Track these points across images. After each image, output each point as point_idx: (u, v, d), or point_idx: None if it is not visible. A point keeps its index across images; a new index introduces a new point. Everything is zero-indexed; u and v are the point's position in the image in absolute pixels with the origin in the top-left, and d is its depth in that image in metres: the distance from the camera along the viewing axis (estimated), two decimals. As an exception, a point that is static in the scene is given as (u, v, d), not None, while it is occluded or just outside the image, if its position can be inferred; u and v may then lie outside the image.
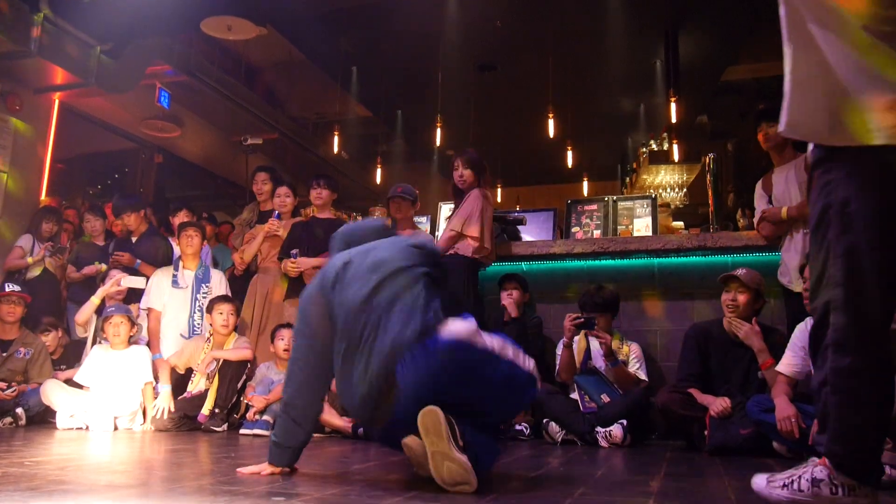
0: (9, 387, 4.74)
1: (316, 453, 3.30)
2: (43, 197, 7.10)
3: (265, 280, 5.45)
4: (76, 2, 6.31)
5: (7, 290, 5.08)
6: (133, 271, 5.57)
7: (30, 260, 5.96)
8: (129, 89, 7.34)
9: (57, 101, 7.34)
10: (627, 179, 10.55)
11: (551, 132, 8.29)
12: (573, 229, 5.62)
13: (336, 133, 9.47)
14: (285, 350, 4.68)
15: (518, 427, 4.41)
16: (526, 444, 4.13)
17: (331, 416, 4.36)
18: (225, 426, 4.62)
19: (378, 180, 10.31)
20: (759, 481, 1.89)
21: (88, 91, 7.10)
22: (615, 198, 5.75)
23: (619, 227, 5.55)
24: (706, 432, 3.73)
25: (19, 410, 4.68)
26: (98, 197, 9.50)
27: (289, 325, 4.83)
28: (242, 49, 8.70)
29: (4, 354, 4.96)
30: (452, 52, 7.96)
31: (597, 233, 5.54)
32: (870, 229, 1.75)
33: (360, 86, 9.04)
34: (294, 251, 5.10)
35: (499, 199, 10.83)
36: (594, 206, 5.72)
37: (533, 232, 5.81)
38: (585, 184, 11.11)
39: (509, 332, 4.65)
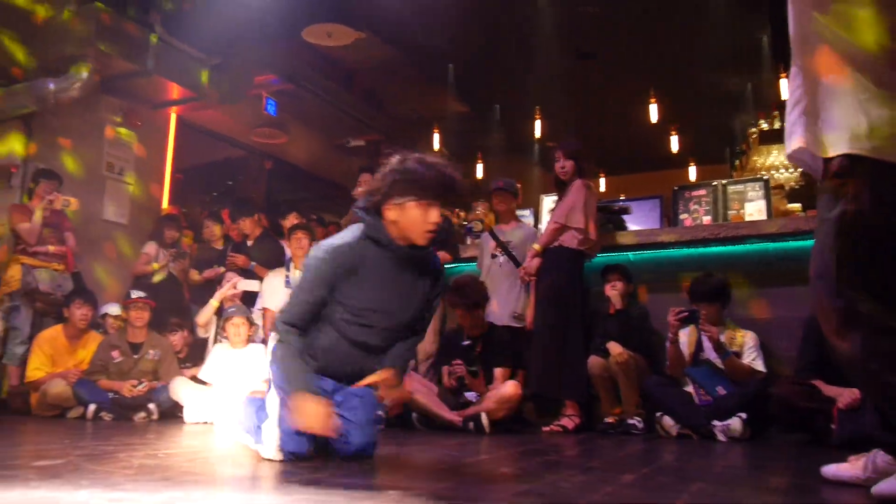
0: (140, 384, 5.05)
1: (426, 447, 3.36)
2: (165, 206, 7.52)
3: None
4: (186, 20, 6.63)
5: (134, 297, 5.41)
6: (248, 273, 5.82)
7: (155, 265, 6.32)
8: (238, 100, 7.65)
9: (174, 115, 7.76)
10: (737, 162, 10.13)
11: (654, 117, 8.08)
12: (681, 216, 5.46)
13: (435, 130, 9.55)
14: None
15: (630, 421, 4.33)
16: (639, 439, 4.05)
17: (441, 410, 4.42)
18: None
19: (479, 175, 10.33)
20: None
21: (201, 104, 7.47)
22: (724, 182, 5.54)
23: (729, 212, 5.34)
24: (833, 425, 3.54)
25: (151, 406, 4.99)
26: (214, 204, 9.94)
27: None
28: (342, 53, 8.90)
29: (136, 356, 5.29)
30: (550, 42, 7.88)
31: (706, 219, 5.36)
32: None
33: (457, 82, 9.08)
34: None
35: (602, 189, 10.62)
36: (702, 192, 5.53)
37: (639, 221, 5.68)
38: (693, 169, 10.76)
39: (613, 324, 4.59)
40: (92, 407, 4.90)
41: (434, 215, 2.51)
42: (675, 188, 5.64)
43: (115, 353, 5.25)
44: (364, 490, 1.91)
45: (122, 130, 7.08)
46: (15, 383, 5.45)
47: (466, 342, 4.63)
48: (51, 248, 5.68)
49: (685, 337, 4.26)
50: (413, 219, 2.49)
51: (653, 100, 8.04)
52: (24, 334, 5.54)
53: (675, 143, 9.25)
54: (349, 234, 2.59)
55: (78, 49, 6.07)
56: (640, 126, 8.81)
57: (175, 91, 7.21)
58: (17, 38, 6.27)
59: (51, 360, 5.28)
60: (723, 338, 4.10)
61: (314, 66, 8.59)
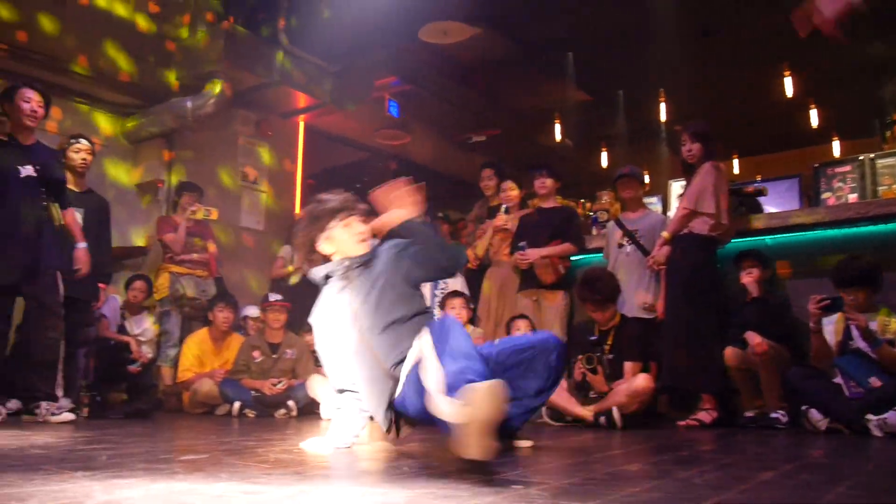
0: (279, 382, 5.30)
1: (556, 442, 3.32)
2: (297, 210, 7.85)
3: (498, 273, 5.58)
4: (309, 31, 6.87)
5: (271, 300, 5.68)
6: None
7: (290, 268, 6.61)
8: (361, 104, 7.86)
9: (301, 123, 8.08)
10: (888, 133, 9.39)
11: (789, 91, 7.62)
12: (823, 195, 5.12)
13: (557, 121, 9.43)
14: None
15: (774, 415, 4.11)
16: (783, 433, 3.84)
17: (570, 405, 4.36)
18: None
19: (604, 164, 10.13)
20: None
21: (326, 110, 7.74)
22: (873, 156, 5.12)
23: (879, 189, 4.95)
24: None
25: (291, 403, 5.23)
26: (344, 206, 10.26)
27: (523, 317, 4.91)
28: (459, 51, 8.96)
29: (275, 356, 5.55)
30: (671, 21, 7.59)
31: (852, 197, 5.00)
32: None
33: (577, 70, 8.92)
34: (522, 243, 5.17)
35: (736, 171, 10.14)
36: (847, 168, 5.16)
37: (776, 202, 5.39)
38: (836, 144, 10.06)
39: (750, 313, 4.37)
40: (237, 404, 5.20)
41: (358, 226, 2.79)
42: (816, 165, 5.30)
43: (255, 354, 5.54)
44: (489, 485, 1.91)
45: (255, 141, 7.45)
46: (168, 383, 5.86)
47: (593, 338, 4.53)
48: (195, 256, 6.06)
49: (831, 325, 3.98)
50: (344, 239, 2.78)
51: (787, 73, 7.58)
52: (174, 337, 5.95)
53: (814, 118, 8.68)
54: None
55: (211, 67, 6.44)
56: (774, 102, 8.33)
57: (302, 100, 7.51)
58: (162, 62, 6.74)
59: (199, 361, 5.64)
60: (874, 325, 3.79)
61: (433, 65, 8.70)
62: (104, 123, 6.55)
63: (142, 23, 6.63)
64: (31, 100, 4.14)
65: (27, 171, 4.09)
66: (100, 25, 6.31)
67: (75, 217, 4.47)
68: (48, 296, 4.08)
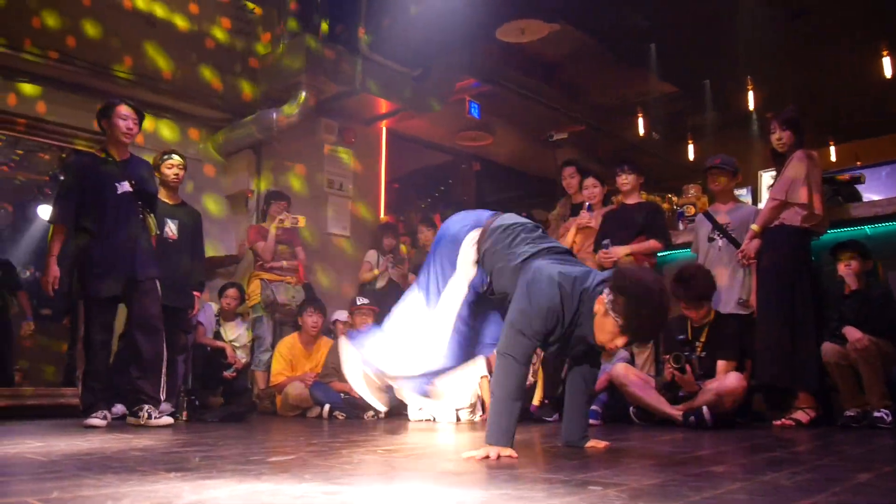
0: (367, 385, 5.40)
1: (643, 442, 3.26)
2: (382, 215, 7.98)
3: (582, 271, 5.51)
4: (387, 37, 6.98)
5: (359, 303, 5.79)
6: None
7: (375, 272, 6.73)
8: (442, 106, 7.92)
9: (384, 129, 8.22)
10: None
11: (888, 72, 7.23)
12: (927, 180, 4.85)
13: (640, 114, 9.25)
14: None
15: (877, 414, 3.91)
16: (887, 433, 3.66)
17: (660, 404, 4.28)
18: (556, 415, 4.77)
19: (690, 156, 9.87)
20: None
21: (407, 114, 7.84)
22: None
23: None
24: None
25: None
26: (428, 210, 10.38)
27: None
28: (539, 48, 8.90)
29: (363, 358, 5.65)
30: (758, 4, 7.33)
31: (959, 181, 4.72)
32: None
33: (660, 62, 8.72)
34: (606, 241, 5.09)
35: (832, 159, 9.68)
36: (953, 151, 4.87)
37: (876, 189, 5.13)
38: (945, 125, 9.48)
39: (849, 307, 4.17)
40: (327, 407, 5.33)
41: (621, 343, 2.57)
42: (919, 148, 5.01)
43: (344, 357, 5.65)
44: (565, 486, 1.90)
45: (339, 148, 7.62)
46: (262, 387, 6.06)
47: (681, 337, 4.41)
48: (284, 263, 6.25)
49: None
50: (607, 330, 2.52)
51: (885, 52, 7.19)
52: (266, 342, 6.15)
53: (915, 98, 8.22)
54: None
55: (294, 78, 6.63)
56: (871, 84, 7.92)
57: (383, 105, 7.64)
58: (244, 76, 6.99)
59: (290, 364, 5.81)
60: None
61: (512, 64, 8.68)
62: (193, 137, 6.85)
63: (224, 38, 6.90)
64: (127, 117, 4.35)
65: (124, 187, 4.31)
66: (188, 44, 6.61)
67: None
68: (149, 304, 4.29)
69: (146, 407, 4.14)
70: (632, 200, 5.32)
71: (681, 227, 5.79)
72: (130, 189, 4.32)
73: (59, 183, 4.44)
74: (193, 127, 6.86)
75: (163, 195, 4.88)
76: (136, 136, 4.47)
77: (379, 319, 5.81)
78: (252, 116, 6.69)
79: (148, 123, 5.59)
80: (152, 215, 4.48)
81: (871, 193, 5.05)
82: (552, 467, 2.33)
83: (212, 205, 6.81)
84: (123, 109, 4.35)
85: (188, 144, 6.70)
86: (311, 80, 6.61)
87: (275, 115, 6.55)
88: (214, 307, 6.04)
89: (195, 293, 5.10)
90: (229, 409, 5.06)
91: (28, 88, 5.80)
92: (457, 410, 5.00)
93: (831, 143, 9.89)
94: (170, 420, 4.19)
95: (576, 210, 5.83)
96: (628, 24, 8.03)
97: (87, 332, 4.23)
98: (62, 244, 4.24)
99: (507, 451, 2.52)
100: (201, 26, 6.76)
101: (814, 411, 4.19)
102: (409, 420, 5.02)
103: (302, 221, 6.33)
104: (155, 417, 4.11)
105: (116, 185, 4.29)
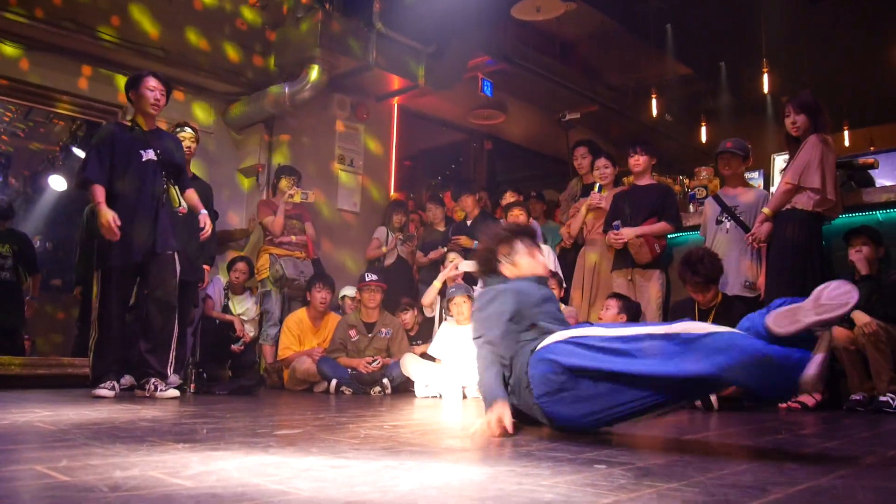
0: (374, 360, 5.43)
1: (647, 424, 3.27)
2: (392, 192, 7.97)
3: (592, 252, 5.51)
4: (402, 13, 6.94)
5: (367, 280, 5.80)
6: (472, 253, 6.00)
7: (384, 249, 6.73)
8: (455, 85, 7.88)
9: (396, 105, 8.18)
10: None
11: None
12: (942, 167, 4.80)
13: (654, 96, 9.18)
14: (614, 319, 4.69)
15: (883, 398, 3.91)
16: (893, 418, 3.65)
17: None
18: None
19: (703, 139, 9.80)
20: None
21: (421, 92, 7.81)
22: None
23: None
24: None
25: (385, 381, 5.36)
26: (438, 188, 10.37)
27: (616, 295, 4.84)
28: (555, 27, 8.83)
29: (370, 335, 5.68)
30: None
31: (974, 168, 4.67)
32: None
33: (676, 43, 8.64)
34: (616, 222, 5.07)
35: (846, 144, 9.60)
36: (969, 137, 4.82)
37: (889, 175, 5.09)
38: (962, 111, 9.37)
39: (860, 291, 4.14)
40: (334, 382, 5.36)
41: (537, 256, 2.95)
42: (934, 134, 4.96)
43: (352, 332, 5.69)
44: (571, 464, 1.91)
45: (351, 124, 7.60)
46: (270, 361, 6.09)
47: (685, 320, 4.39)
48: (293, 238, 6.25)
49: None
50: (525, 264, 2.91)
51: (903, 36, 7.10)
52: (274, 317, 6.17)
53: (932, 85, 8.11)
54: None
55: (307, 53, 6.60)
56: (887, 69, 7.82)
57: (396, 82, 7.60)
58: (257, 50, 6.96)
59: (298, 339, 5.84)
60: None
61: (527, 42, 8.62)
62: (206, 110, 6.84)
63: (237, 10, 6.87)
64: (154, 88, 4.35)
65: (149, 154, 4.31)
66: (200, 16, 6.58)
67: (195, 193, 4.65)
68: (168, 279, 4.31)
69: (152, 380, 4.16)
70: (643, 182, 5.29)
71: (691, 209, 5.76)
72: (155, 158, 4.31)
73: (88, 148, 4.42)
74: (205, 100, 6.85)
75: None
76: (163, 107, 4.46)
77: (386, 296, 5.85)
78: (265, 90, 6.67)
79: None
80: (176, 188, 4.46)
81: (884, 179, 5.01)
82: (558, 446, 2.33)
83: (223, 178, 6.81)
84: (151, 81, 4.35)
85: (200, 118, 6.69)
86: (324, 55, 6.58)
87: (287, 89, 6.53)
88: (223, 281, 6.06)
89: (205, 266, 5.12)
90: (237, 383, 5.09)
91: (10, 49, 5.75)
92: (463, 388, 5.01)
93: (846, 127, 9.80)
94: (176, 393, 4.21)
95: (587, 191, 5.80)
96: (645, 4, 7.95)
97: (102, 303, 4.19)
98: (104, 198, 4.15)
99: (499, 406, 2.56)
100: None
101: (820, 395, 4.18)
102: (415, 397, 5.05)
103: (312, 197, 6.34)
104: (161, 390, 4.13)
105: (141, 152, 4.28)
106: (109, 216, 4.03)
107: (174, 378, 4.53)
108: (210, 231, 4.64)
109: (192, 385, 4.90)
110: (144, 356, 4.21)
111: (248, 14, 6.94)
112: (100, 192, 4.13)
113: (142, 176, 4.26)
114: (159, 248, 4.25)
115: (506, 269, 2.92)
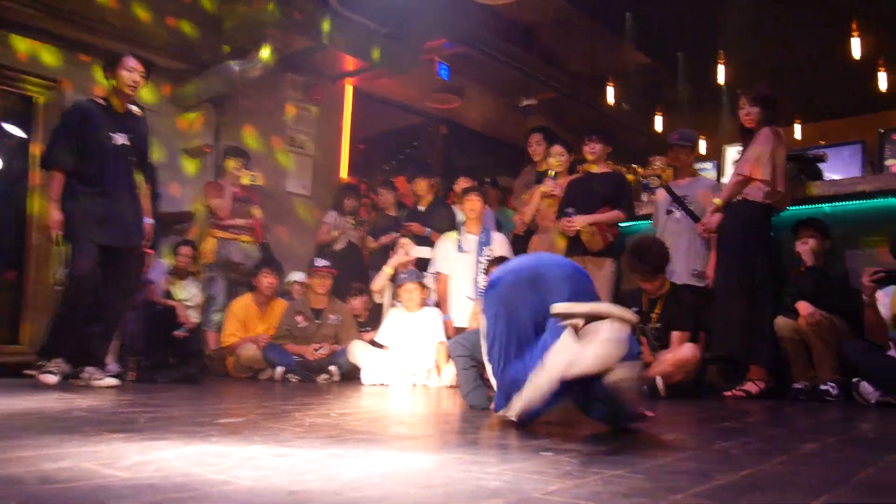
0: (321, 347, 5.41)
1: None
2: (344, 176, 7.91)
3: (544, 239, 5.55)
4: (359, -10, 6.85)
5: (317, 265, 5.76)
6: (424, 239, 6.01)
7: (335, 233, 6.68)
8: (412, 67, 7.83)
9: (350, 87, 8.11)
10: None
11: (857, 53, 7.32)
12: (887, 162, 4.94)
13: (611, 84, 9.27)
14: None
15: (824, 387, 4.03)
16: (834, 406, 3.78)
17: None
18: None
19: (660, 128, 9.93)
20: None
21: (376, 74, 7.74)
22: (942, 121, 4.94)
23: (947, 157, 4.78)
24: None
25: (333, 368, 5.34)
26: (392, 172, 10.32)
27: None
28: (514, 11, 8.81)
29: (318, 321, 5.65)
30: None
31: (918, 164, 4.82)
32: None
33: (636, 32, 8.70)
34: (570, 210, 5.12)
35: (797, 137, 9.83)
36: (915, 134, 4.97)
37: (837, 169, 5.21)
38: (908, 109, 9.64)
39: (804, 282, 4.27)
40: (280, 369, 5.33)
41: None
42: (881, 131, 5.11)
43: (299, 319, 5.65)
44: (519, 452, 1.93)
45: (304, 105, 7.51)
46: (213, 348, 6.01)
47: (635, 309, 4.47)
48: (240, 222, 6.17)
49: (888, 298, 3.87)
50: None
51: (855, 33, 7.27)
52: (219, 303, 6.09)
53: (883, 82, 8.32)
54: None
55: (259, 31, 6.48)
56: (840, 64, 8.01)
57: (350, 63, 7.53)
58: (208, 26, 6.81)
59: (243, 325, 5.78)
60: (932, 298, 3.69)
61: (485, 26, 8.59)
62: (151, 88, 6.67)
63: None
64: (133, 69, 4.27)
65: (121, 138, 4.23)
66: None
67: (148, 193, 4.57)
68: (137, 267, 4.25)
69: (88, 368, 4.08)
70: (598, 170, 5.34)
71: (644, 198, 5.84)
72: (128, 143, 4.25)
73: (56, 126, 4.31)
74: (151, 77, 6.66)
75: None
76: (140, 88, 4.40)
77: (336, 282, 5.82)
78: (214, 69, 6.54)
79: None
80: (141, 173, 4.39)
81: (832, 173, 5.14)
82: (506, 434, 2.35)
83: (167, 159, 6.65)
84: (131, 61, 4.27)
85: (144, 95, 6.53)
86: (276, 33, 6.46)
87: (238, 68, 6.41)
88: (166, 265, 5.95)
89: (147, 250, 5.01)
90: (179, 371, 5.01)
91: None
92: (412, 375, 5.02)
93: (798, 121, 10.02)
94: (114, 381, 4.13)
95: (541, 178, 5.83)
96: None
97: (74, 277, 4.09)
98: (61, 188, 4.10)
99: None
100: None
101: (764, 383, 4.30)
102: (363, 384, 5.04)
103: (260, 179, 6.26)
104: (97, 379, 4.04)
105: (112, 135, 4.21)
106: (55, 222, 4.02)
107: (113, 366, 4.43)
108: (150, 243, 4.59)
109: (132, 373, 4.81)
110: (89, 343, 4.14)
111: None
112: (57, 184, 4.09)
113: (113, 160, 4.20)
114: (135, 239, 4.21)
115: None
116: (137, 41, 6.22)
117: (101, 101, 4.32)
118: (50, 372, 3.98)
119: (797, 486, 1.55)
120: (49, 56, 5.94)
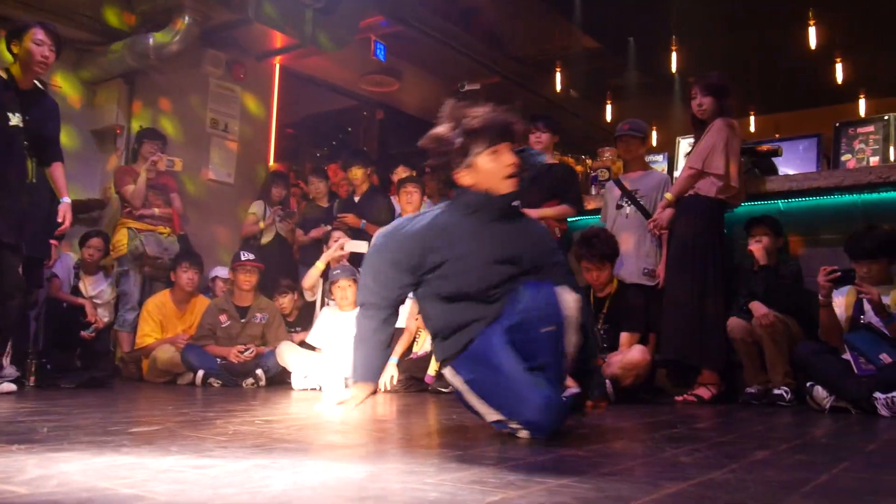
0: (247, 349, 5.34)
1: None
2: (271, 162, 7.82)
3: (488, 235, 5.57)
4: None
5: (243, 259, 5.69)
6: (359, 232, 5.98)
7: (261, 225, 6.60)
8: (345, 45, 7.78)
9: (278, 66, 8.01)
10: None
11: (813, 43, 7.57)
12: (843, 157, 5.12)
13: (558, 69, 9.37)
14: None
15: (776, 391, 4.17)
16: (786, 411, 3.90)
17: (561, 378, 4.40)
18: (451, 387, 4.84)
19: (609, 117, 10.10)
20: None
21: (306, 52, 7.67)
22: (899, 115, 5.13)
23: (904, 152, 4.97)
24: None
25: (259, 372, 5.29)
26: (324, 159, 10.24)
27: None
28: (458, -10, 8.85)
29: (244, 320, 5.58)
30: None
31: (874, 160, 5.00)
32: None
33: (584, 14, 8.81)
34: (515, 203, 5.14)
35: (752, 129, 10.13)
36: (870, 128, 5.15)
37: (792, 164, 5.39)
38: (862, 102, 10.01)
39: (757, 282, 4.40)
40: (200, 373, 5.25)
41: (508, 157, 2.57)
42: (837, 125, 5.28)
43: (222, 318, 5.57)
44: (458, 461, 1.94)
45: (226, 84, 7.39)
46: (126, 350, 5.88)
47: None
48: (156, 211, 6.05)
49: (842, 298, 4.01)
50: (489, 171, 2.56)
51: (812, 22, 7.52)
52: (133, 300, 5.97)
53: (839, 73, 8.63)
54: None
55: (177, 0, 6.35)
56: (797, 55, 8.28)
57: (279, 39, 7.44)
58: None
59: (160, 325, 5.67)
60: (887, 299, 3.83)
61: (426, 4, 8.59)
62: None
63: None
64: (42, 43, 4.05)
65: (14, 119, 4.00)
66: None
67: (62, 171, 4.37)
68: (33, 268, 4.11)
69: None
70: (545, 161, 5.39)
71: (593, 191, 5.93)
72: (21, 125, 4.01)
73: None
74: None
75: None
76: (51, 65, 4.19)
77: (263, 278, 5.75)
78: (125, 41, 6.39)
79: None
80: (33, 160, 4.13)
81: (787, 168, 5.30)
82: (445, 441, 2.37)
83: (73, 141, 6.47)
84: (40, 33, 4.06)
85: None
86: (196, 2, 6.34)
87: (152, 40, 6.27)
88: (74, 258, 5.80)
89: (52, 241, 4.87)
90: (87, 374, 4.89)
91: None
92: (346, 379, 5.00)
93: (752, 113, 10.31)
94: (13, 387, 4.00)
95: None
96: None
97: None
98: None
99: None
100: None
101: (716, 388, 4.41)
102: (292, 389, 5.00)
103: (178, 165, 6.14)
104: (-9, 385, 3.92)
105: (9, 115, 3.98)
106: None
107: (10, 370, 4.29)
108: (68, 225, 4.38)
109: (33, 378, 4.68)
110: None
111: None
112: None
113: (5, 142, 3.96)
114: (28, 248, 4.03)
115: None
116: (34, 7, 6.01)
117: (1, 74, 4.11)
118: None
119: (748, 495, 1.59)
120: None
